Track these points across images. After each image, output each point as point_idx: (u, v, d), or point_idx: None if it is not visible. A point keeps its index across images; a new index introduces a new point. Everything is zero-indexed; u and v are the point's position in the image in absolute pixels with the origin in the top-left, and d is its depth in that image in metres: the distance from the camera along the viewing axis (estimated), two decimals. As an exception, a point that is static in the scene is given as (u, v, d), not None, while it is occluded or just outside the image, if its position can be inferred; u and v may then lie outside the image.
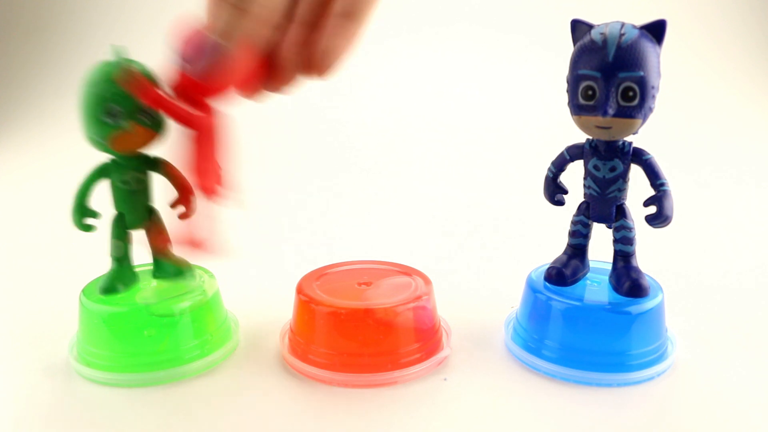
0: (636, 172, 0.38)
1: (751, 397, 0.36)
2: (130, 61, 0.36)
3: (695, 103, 1.17)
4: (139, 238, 0.42)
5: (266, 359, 0.41)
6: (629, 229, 0.38)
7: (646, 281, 0.38)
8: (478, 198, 0.84)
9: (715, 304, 0.50)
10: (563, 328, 0.39)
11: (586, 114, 0.35)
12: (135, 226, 0.41)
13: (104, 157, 0.39)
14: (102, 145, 0.37)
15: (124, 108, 0.35)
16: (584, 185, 0.39)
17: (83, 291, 0.40)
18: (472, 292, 0.52)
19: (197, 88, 0.31)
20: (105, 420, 0.35)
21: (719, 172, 0.95)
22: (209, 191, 0.33)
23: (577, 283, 0.41)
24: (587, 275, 0.41)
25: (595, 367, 0.37)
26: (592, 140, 0.38)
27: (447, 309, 0.45)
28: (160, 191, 0.41)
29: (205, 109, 0.32)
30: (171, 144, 0.34)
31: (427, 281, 0.42)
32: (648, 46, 0.34)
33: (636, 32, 0.34)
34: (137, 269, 0.42)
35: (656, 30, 0.35)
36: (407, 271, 0.44)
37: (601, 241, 0.42)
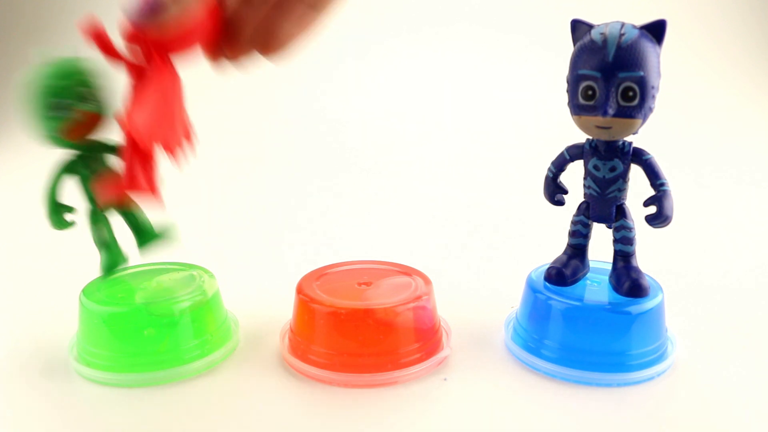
0: (636, 172, 0.38)
1: (751, 397, 0.36)
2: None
3: (695, 103, 1.17)
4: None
5: (266, 359, 0.41)
6: (629, 229, 0.38)
7: (646, 281, 0.38)
8: (478, 198, 0.84)
9: (715, 304, 0.50)
10: (563, 328, 0.39)
11: (586, 114, 0.35)
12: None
13: (65, 154, 0.40)
14: (57, 139, 0.38)
15: (68, 98, 0.37)
16: (584, 185, 0.39)
17: (83, 291, 0.40)
18: (472, 292, 0.52)
19: (154, 42, 0.31)
20: (105, 420, 0.35)
21: (719, 172, 0.95)
22: (164, 146, 0.33)
23: (577, 283, 0.41)
24: (587, 275, 0.42)
25: (595, 367, 0.37)
26: (592, 140, 0.38)
27: (447, 309, 0.45)
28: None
29: (162, 64, 0.32)
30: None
31: (427, 281, 0.42)
32: (648, 46, 0.34)
33: (636, 32, 0.34)
34: (139, 269, 0.43)
35: (656, 30, 0.35)
36: (407, 271, 0.44)
37: (601, 241, 0.42)
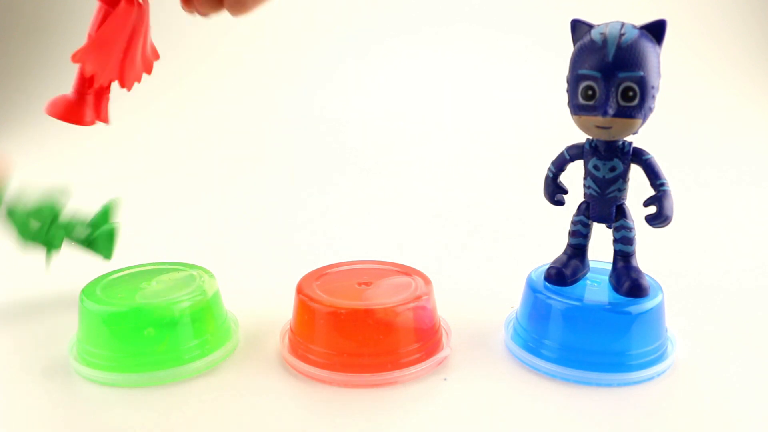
0: (636, 172, 0.38)
1: (751, 397, 0.36)
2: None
3: (695, 103, 1.17)
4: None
5: (266, 359, 0.41)
6: (629, 229, 0.38)
7: (646, 281, 0.38)
8: (478, 198, 0.84)
9: (715, 304, 0.50)
10: (563, 328, 0.39)
11: (586, 114, 0.35)
12: None
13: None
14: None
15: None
16: (584, 185, 0.39)
17: (83, 291, 0.40)
18: (472, 292, 0.52)
19: None
20: (105, 420, 0.35)
21: (719, 172, 0.95)
22: (120, 81, 0.33)
23: (577, 283, 0.41)
24: (587, 275, 0.41)
25: (595, 367, 0.37)
26: (592, 140, 0.38)
27: (447, 309, 0.45)
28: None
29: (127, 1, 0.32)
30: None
31: (427, 281, 0.42)
32: (648, 46, 0.34)
33: (636, 32, 0.34)
34: (139, 269, 0.43)
35: (656, 30, 0.34)
36: (407, 271, 0.44)
37: (601, 241, 0.42)
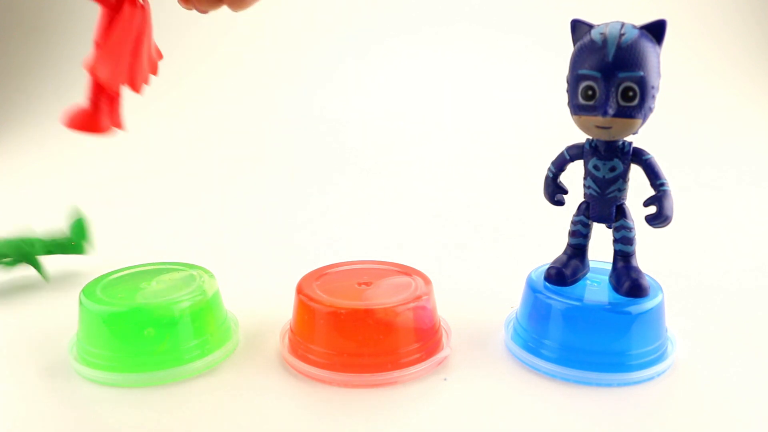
0: (636, 172, 0.38)
1: (751, 396, 0.36)
2: None
3: (695, 103, 1.17)
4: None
5: (266, 359, 0.41)
6: (629, 229, 0.38)
7: (646, 281, 0.38)
8: (478, 198, 0.84)
9: (715, 304, 0.50)
10: (563, 328, 0.39)
11: (586, 114, 0.35)
12: None
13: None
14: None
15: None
16: (584, 185, 0.39)
17: (83, 291, 0.40)
18: (472, 292, 0.52)
19: None
20: (105, 420, 0.35)
21: (719, 172, 0.95)
22: (130, 85, 0.34)
23: (577, 283, 0.41)
24: (587, 275, 0.42)
25: (595, 367, 0.37)
26: (592, 140, 0.38)
27: (447, 309, 0.45)
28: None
29: (131, 2, 0.32)
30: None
31: (427, 281, 0.42)
32: (648, 46, 0.34)
33: (636, 32, 0.34)
34: (139, 269, 0.43)
35: (656, 30, 0.34)
36: (407, 271, 0.44)
37: (601, 241, 0.42)
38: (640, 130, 0.36)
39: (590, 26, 0.36)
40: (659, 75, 0.35)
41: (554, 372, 0.38)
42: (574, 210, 0.40)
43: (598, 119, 0.35)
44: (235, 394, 0.37)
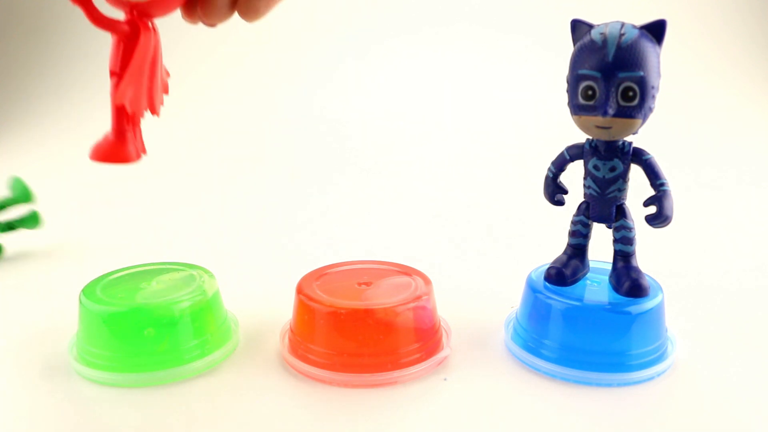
0: (636, 172, 0.38)
1: (751, 396, 0.36)
2: None
3: (695, 103, 1.17)
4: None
5: (266, 359, 0.41)
6: (629, 229, 0.38)
7: (646, 281, 0.38)
8: (478, 198, 0.84)
9: (715, 304, 0.50)
10: (563, 328, 0.39)
11: (586, 114, 0.35)
12: None
13: None
14: None
15: None
16: (584, 185, 0.39)
17: (83, 291, 0.40)
18: (472, 292, 0.52)
19: (135, 7, 0.32)
20: (105, 420, 0.35)
21: (719, 172, 0.95)
22: (150, 108, 0.34)
23: (577, 283, 0.41)
24: (587, 275, 0.41)
25: (595, 367, 0.37)
26: (592, 140, 0.38)
27: (447, 309, 0.45)
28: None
29: (144, 28, 0.33)
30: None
31: (427, 281, 0.42)
32: (648, 46, 0.34)
33: (636, 32, 0.34)
34: (139, 269, 0.43)
35: (656, 30, 0.34)
36: (407, 271, 0.44)
37: (601, 241, 0.42)
38: (640, 130, 0.36)
39: (590, 26, 0.36)
40: (659, 75, 0.35)
41: (554, 372, 0.38)
42: (574, 210, 0.40)
43: (598, 119, 0.35)
44: (235, 394, 0.37)
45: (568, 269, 0.40)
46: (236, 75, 1.25)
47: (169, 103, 0.37)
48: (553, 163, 0.40)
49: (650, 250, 0.49)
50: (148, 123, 0.35)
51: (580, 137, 0.39)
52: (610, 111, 0.34)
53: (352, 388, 0.38)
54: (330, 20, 1.29)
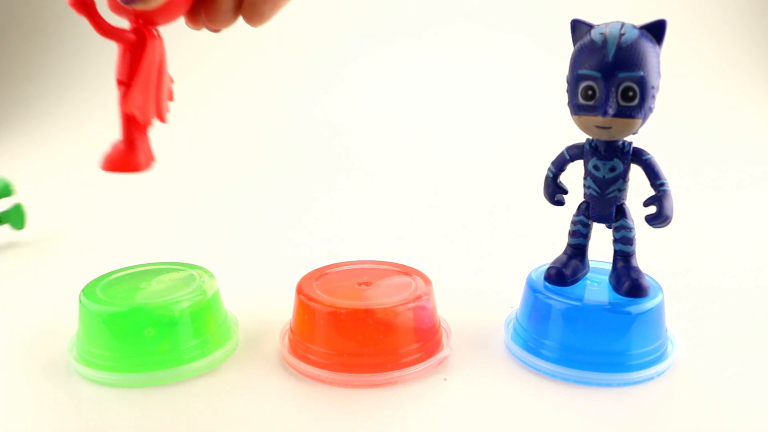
0: (636, 172, 0.38)
1: (751, 397, 0.36)
2: None
3: (695, 103, 1.17)
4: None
5: (266, 359, 0.41)
6: (629, 229, 0.38)
7: (646, 281, 0.38)
8: (478, 198, 0.84)
9: (715, 304, 0.50)
10: (563, 328, 0.39)
11: (586, 114, 0.35)
12: None
13: None
14: None
15: None
16: (584, 185, 0.39)
17: (83, 291, 0.40)
18: (472, 292, 0.52)
19: (140, 15, 0.32)
20: (105, 420, 0.35)
21: (719, 172, 0.95)
22: (158, 115, 0.34)
23: (577, 283, 0.41)
24: (587, 275, 0.41)
25: (595, 367, 0.37)
26: (592, 140, 0.38)
27: (447, 309, 0.45)
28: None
29: (149, 36, 0.32)
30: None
31: (427, 281, 0.42)
32: (648, 46, 0.34)
33: (636, 32, 0.34)
34: (139, 269, 0.43)
35: (656, 30, 0.34)
36: (407, 271, 0.44)
37: (601, 241, 0.42)
38: (640, 130, 0.36)
39: (590, 26, 0.36)
40: (659, 75, 0.35)
41: (554, 372, 0.38)
42: (574, 210, 0.40)
43: (598, 119, 0.35)
44: (235, 394, 0.37)
45: (568, 269, 0.40)
46: (240, 78, 1.25)
47: (172, 105, 0.37)
48: (553, 163, 0.40)
49: (650, 250, 0.49)
50: (152, 127, 0.35)
51: (580, 137, 0.39)
52: (610, 111, 0.34)
53: (352, 388, 0.38)
54: (335, 24, 1.29)
